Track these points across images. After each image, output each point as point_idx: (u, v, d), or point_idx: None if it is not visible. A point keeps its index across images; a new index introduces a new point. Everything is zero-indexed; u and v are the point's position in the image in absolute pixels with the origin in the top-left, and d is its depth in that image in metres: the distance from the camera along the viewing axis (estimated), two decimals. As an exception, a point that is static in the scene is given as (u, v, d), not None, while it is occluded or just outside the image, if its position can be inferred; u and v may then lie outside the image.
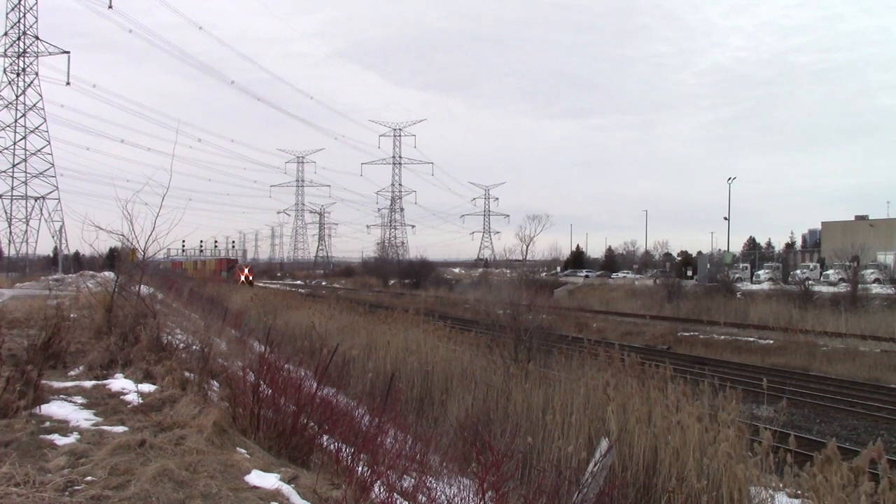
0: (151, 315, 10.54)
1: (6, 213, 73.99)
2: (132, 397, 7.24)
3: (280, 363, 7.81)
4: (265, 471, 5.05)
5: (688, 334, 29.77)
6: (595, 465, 5.96)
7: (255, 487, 4.70)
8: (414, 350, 13.76)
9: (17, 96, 72.87)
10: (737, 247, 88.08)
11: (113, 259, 18.16)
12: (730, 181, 71.05)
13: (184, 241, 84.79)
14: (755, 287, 47.94)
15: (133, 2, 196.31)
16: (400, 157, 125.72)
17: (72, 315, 12.83)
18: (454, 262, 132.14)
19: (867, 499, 5.01)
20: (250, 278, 70.20)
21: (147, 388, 7.60)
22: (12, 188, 73.46)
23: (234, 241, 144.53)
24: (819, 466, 5.27)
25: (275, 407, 6.55)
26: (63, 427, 5.90)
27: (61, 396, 7.02)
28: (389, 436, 7.06)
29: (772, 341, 26.56)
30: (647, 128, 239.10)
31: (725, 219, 69.82)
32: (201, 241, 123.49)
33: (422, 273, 78.28)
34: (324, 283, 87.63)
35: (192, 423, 5.96)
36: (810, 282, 41.89)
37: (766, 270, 60.44)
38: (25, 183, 73.50)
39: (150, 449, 5.21)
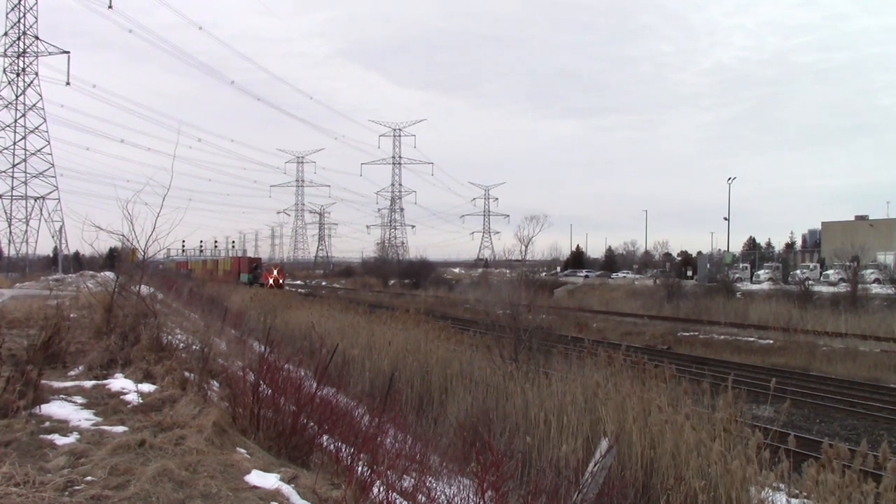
0: (151, 315, 10.53)
1: (6, 213, 74.12)
2: (132, 397, 7.23)
3: (280, 363, 7.80)
4: (265, 471, 5.06)
5: (688, 334, 29.78)
6: (595, 465, 5.96)
7: (255, 487, 4.70)
8: (413, 350, 13.76)
9: (17, 96, 72.95)
10: (737, 247, 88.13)
11: (113, 259, 18.15)
12: (730, 181, 71.13)
13: (184, 242, 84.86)
14: (755, 287, 47.89)
15: (133, 2, 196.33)
16: (400, 157, 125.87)
17: (72, 315, 12.81)
18: (454, 262, 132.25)
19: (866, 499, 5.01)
20: (280, 281, 61.38)
21: (147, 387, 7.60)
22: (12, 188, 73.57)
23: (234, 241, 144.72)
24: (816, 470, 5.27)
25: (275, 407, 6.55)
26: (63, 427, 5.90)
27: (61, 396, 7.02)
28: (389, 436, 7.06)
29: (772, 341, 26.56)
30: (648, 128, 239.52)
31: (725, 219, 69.89)
32: (201, 242, 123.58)
33: (422, 273, 78.26)
34: (324, 283, 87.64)
35: (192, 423, 5.95)
36: (810, 282, 41.87)
37: (766, 270, 60.36)
38: (25, 183, 73.57)
39: (150, 449, 5.21)
